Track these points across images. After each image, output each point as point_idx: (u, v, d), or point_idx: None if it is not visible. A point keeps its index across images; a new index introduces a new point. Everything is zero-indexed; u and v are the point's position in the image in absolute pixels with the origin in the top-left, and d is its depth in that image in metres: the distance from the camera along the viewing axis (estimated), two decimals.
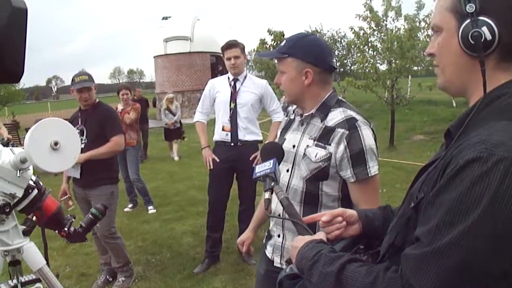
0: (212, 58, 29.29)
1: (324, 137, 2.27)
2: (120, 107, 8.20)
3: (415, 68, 13.64)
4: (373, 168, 2.25)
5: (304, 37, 2.37)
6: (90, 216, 3.08)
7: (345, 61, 26.49)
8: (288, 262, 1.63)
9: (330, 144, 2.24)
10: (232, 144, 5.07)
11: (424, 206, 1.19)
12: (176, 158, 13.91)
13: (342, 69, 26.41)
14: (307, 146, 2.32)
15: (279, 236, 2.48)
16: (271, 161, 1.89)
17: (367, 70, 13.26)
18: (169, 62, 28.92)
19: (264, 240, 2.72)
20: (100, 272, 5.44)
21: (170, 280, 5.21)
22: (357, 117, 2.28)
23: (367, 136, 2.24)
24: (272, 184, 1.84)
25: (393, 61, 12.86)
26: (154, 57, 30.28)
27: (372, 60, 13.28)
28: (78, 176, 4.78)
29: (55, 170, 1.95)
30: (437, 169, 1.22)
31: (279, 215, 2.38)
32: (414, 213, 1.25)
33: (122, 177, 8.17)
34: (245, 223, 5.55)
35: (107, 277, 5.30)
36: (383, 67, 13.35)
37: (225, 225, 5.71)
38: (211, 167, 5.14)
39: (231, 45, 5.06)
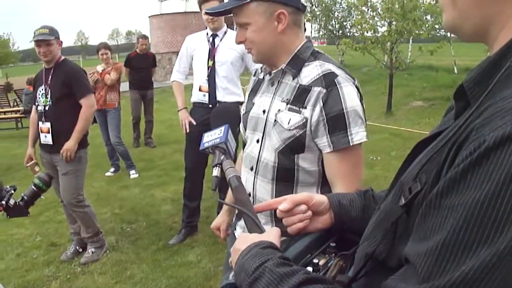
0: None
1: (299, 98, 1.84)
2: (100, 68, 7.71)
3: (417, 31, 13.04)
4: (356, 136, 1.79)
5: None
6: (33, 187, 2.70)
7: (345, 23, 25.82)
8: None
9: (305, 107, 1.81)
10: (210, 105, 4.56)
11: (423, 209, 0.75)
12: None
13: (341, 32, 25.77)
14: (279, 110, 1.89)
15: None
16: (222, 129, 1.47)
17: (365, 33, 12.72)
18: (164, 22, 28.22)
19: (233, 219, 2.36)
20: (70, 242, 5.09)
21: (143, 252, 4.87)
22: (337, 71, 1.82)
23: (348, 95, 1.79)
24: (222, 158, 1.42)
25: (394, 22, 12.32)
26: (149, 17, 29.56)
27: (371, 21, 12.72)
28: (50, 142, 4.47)
29: None
30: (443, 148, 0.77)
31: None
32: (406, 213, 0.82)
33: (103, 140, 7.86)
34: (225, 191, 5.15)
35: (77, 247, 4.97)
36: (383, 30, 12.83)
37: (205, 192, 5.33)
38: (188, 130, 4.76)
39: None
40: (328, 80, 1.79)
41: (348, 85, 1.80)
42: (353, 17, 23.08)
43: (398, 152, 8.32)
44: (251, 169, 2.02)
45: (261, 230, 1.17)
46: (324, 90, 1.78)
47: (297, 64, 1.89)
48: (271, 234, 1.12)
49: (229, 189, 1.41)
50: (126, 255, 4.82)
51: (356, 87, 1.85)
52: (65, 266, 4.67)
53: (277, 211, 1.23)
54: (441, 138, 0.83)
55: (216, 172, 1.42)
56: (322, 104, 1.77)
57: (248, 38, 1.87)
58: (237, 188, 1.33)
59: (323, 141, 1.81)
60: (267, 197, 1.97)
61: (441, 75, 17.10)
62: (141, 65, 9.49)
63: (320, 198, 1.26)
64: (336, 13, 25.80)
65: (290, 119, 1.84)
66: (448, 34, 20.77)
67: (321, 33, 27.78)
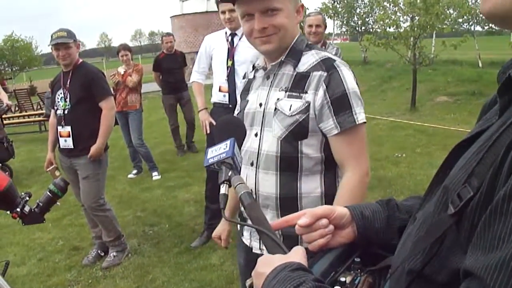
0: None
1: (298, 85, 1.91)
2: (121, 69, 7.67)
3: (440, 25, 12.82)
4: (360, 115, 1.89)
5: None
6: (48, 193, 2.65)
7: (367, 20, 25.61)
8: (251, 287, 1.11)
9: (306, 92, 1.89)
10: (230, 106, 4.50)
11: (487, 215, 0.65)
12: None
13: (363, 28, 25.57)
14: (278, 99, 1.94)
15: None
16: (228, 143, 1.35)
17: (388, 28, 12.57)
18: (186, 22, 28.31)
19: (238, 226, 2.35)
20: (92, 246, 5.06)
21: (165, 255, 4.82)
22: (334, 57, 1.94)
23: (348, 77, 1.89)
24: (230, 174, 1.31)
25: (416, 17, 12.13)
26: (170, 17, 29.66)
27: (393, 17, 12.54)
28: (71, 146, 4.43)
29: None
30: (494, 146, 0.69)
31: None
32: (455, 223, 0.73)
33: (125, 142, 7.86)
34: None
35: (99, 251, 4.94)
36: (405, 25, 12.65)
37: None
38: (208, 131, 4.68)
39: None
40: (328, 64, 1.88)
41: (345, 69, 1.90)
42: (375, 13, 22.92)
43: (423, 149, 8.16)
44: (252, 164, 2.02)
45: (284, 251, 1.07)
46: (325, 73, 1.85)
47: (296, 54, 1.96)
48: (297, 254, 1.02)
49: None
50: (148, 259, 4.77)
51: (352, 72, 1.96)
52: (87, 271, 4.65)
53: (296, 226, 1.14)
54: (488, 136, 0.74)
55: (224, 189, 1.31)
56: (325, 86, 1.84)
57: (279, 23, 1.88)
58: (251, 206, 1.23)
59: (330, 124, 1.87)
60: (271, 190, 1.98)
61: (466, 69, 16.81)
62: (172, 65, 8.87)
63: (342, 211, 1.17)
64: (358, 9, 25.69)
65: (291, 105, 1.89)
66: (472, 27, 20.43)
67: (343, 29, 27.63)
